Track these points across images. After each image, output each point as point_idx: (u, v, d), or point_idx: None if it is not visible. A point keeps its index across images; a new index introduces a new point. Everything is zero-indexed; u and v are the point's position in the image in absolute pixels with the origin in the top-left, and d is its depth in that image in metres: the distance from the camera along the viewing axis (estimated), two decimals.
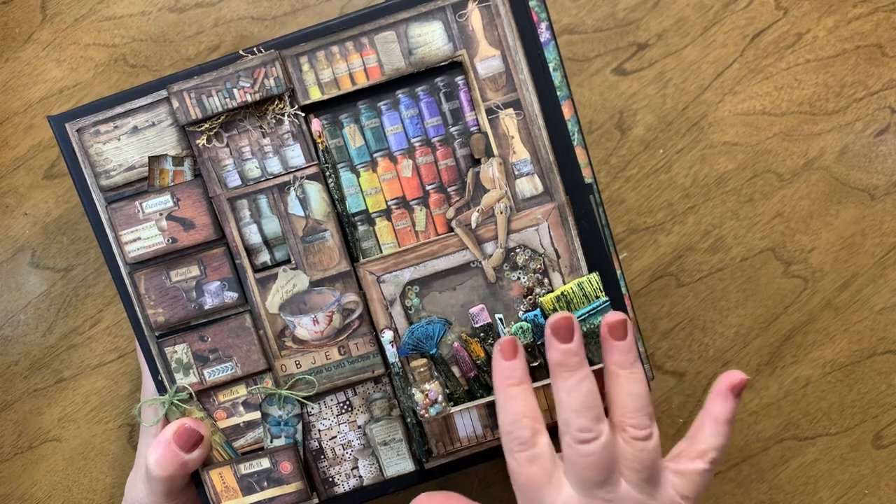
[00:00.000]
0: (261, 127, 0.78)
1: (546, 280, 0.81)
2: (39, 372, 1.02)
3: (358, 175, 0.80)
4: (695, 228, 1.01)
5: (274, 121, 0.78)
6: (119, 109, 0.78)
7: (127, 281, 0.80)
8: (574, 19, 1.00)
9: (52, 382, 1.02)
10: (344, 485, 0.83)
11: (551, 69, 0.79)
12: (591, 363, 0.80)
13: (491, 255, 0.80)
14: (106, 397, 1.03)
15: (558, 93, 0.79)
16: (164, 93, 0.78)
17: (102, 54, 1.00)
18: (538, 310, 0.81)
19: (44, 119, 1.00)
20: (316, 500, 0.83)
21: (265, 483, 0.81)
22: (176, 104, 0.77)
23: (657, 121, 1.01)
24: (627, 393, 0.76)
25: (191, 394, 0.81)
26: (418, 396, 0.80)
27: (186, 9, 1.00)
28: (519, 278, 0.81)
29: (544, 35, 0.78)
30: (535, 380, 0.81)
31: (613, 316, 0.77)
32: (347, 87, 0.78)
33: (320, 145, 0.79)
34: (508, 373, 0.76)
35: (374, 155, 0.80)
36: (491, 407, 0.81)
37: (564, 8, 1.00)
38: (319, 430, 0.82)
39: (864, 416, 1.03)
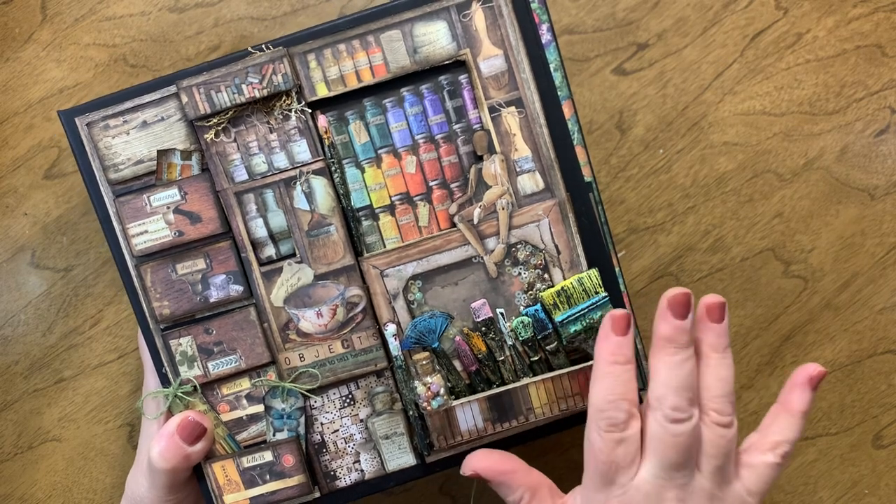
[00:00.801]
0: (268, 122, 0.83)
1: (546, 275, 0.85)
2: (39, 372, 1.06)
3: (363, 171, 0.85)
4: (695, 228, 1.05)
5: (281, 116, 0.83)
6: (128, 104, 0.83)
7: (133, 274, 0.85)
8: (574, 19, 1.04)
9: (52, 382, 1.06)
10: (345, 478, 0.87)
11: (552, 70, 0.84)
12: (588, 358, 0.86)
13: (493, 251, 0.85)
14: (106, 397, 1.06)
15: (559, 93, 0.84)
16: (173, 88, 0.83)
17: (102, 54, 1.04)
18: (539, 305, 0.85)
19: (44, 119, 1.04)
20: (317, 494, 0.87)
21: (267, 476, 0.86)
22: (185, 99, 0.82)
23: (657, 121, 1.05)
24: (716, 377, 0.78)
25: (195, 386, 0.86)
26: (420, 389, 0.84)
27: (186, 9, 1.04)
28: (520, 273, 0.85)
29: (545, 36, 0.84)
30: (534, 374, 0.86)
31: (713, 297, 0.80)
32: (353, 84, 0.83)
33: (326, 141, 0.84)
34: (617, 349, 0.78)
35: (379, 151, 0.85)
36: (492, 401, 0.85)
37: (564, 8, 1.04)
38: (322, 424, 0.87)
39: (864, 416, 1.07)
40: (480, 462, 0.84)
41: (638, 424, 0.77)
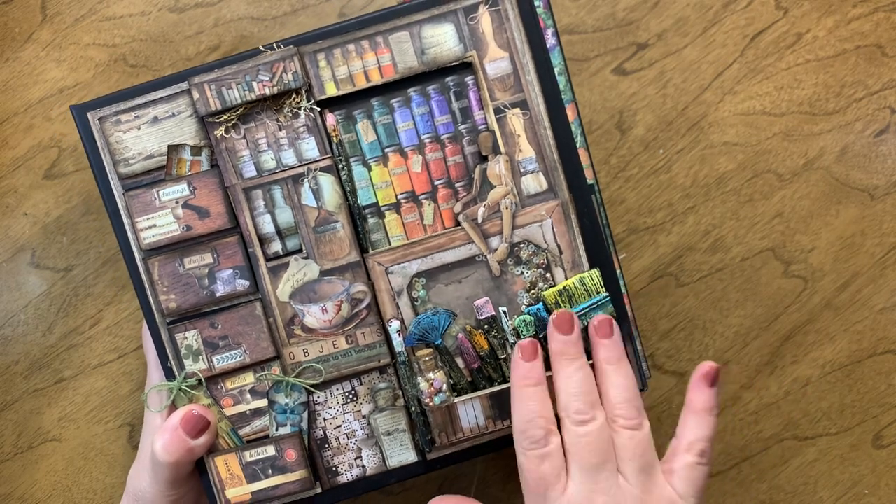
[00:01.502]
0: (277, 120, 0.88)
1: (549, 275, 0.90)
2: (39, 372, 1.09)
3: (369, 169, 0.89)
4: (695, 228, 1.10)
5: (290, 114, 0.87)
6: (140, 100, 0.88)
7: (141, 267, 0.89)
8: (574, 19, 1.09)
9: (52, 382, 1.10)
10: (347, 474, 0.91)
11: (556, 73, 0.89)
12: (588, 356, 0.89)
13: (496, 250, 0.89)
14: (106, 397, 1.10)
15: (563, 96, 0.89)
16: (184, 84, 0.87)
17: (102, 54, 1.08)
18: (541, 304, 0.90)
19: (44, 119, 1.08)
20: (319, 489, 0.91)
21: (270, 471, 0.90)
22: (196, 95, 0.86)
23: (657, 121, 1.09)
24: (615, 385, 0.85)
25: (200, 380, 0.90)
26: (423, 385, 0.89)
27: (186, 9, 1.08)
28: (522, 273, 0.90)
29: (550, 41, 0.89)
30: None
31: (599, 317, 0.88)
32: (362, 83, 0.88)
33: (334, 139, 0.88)
34: (526, 373, 0.85)
35: (386, 150, 0.90)
36: (494, 398, 0.89)
37: (564, 8, 1.08)
38: (324, 419, 0.91)
39: (864, 416, 1.11)
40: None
41: (557, 440, 0.84)
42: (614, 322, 0.88)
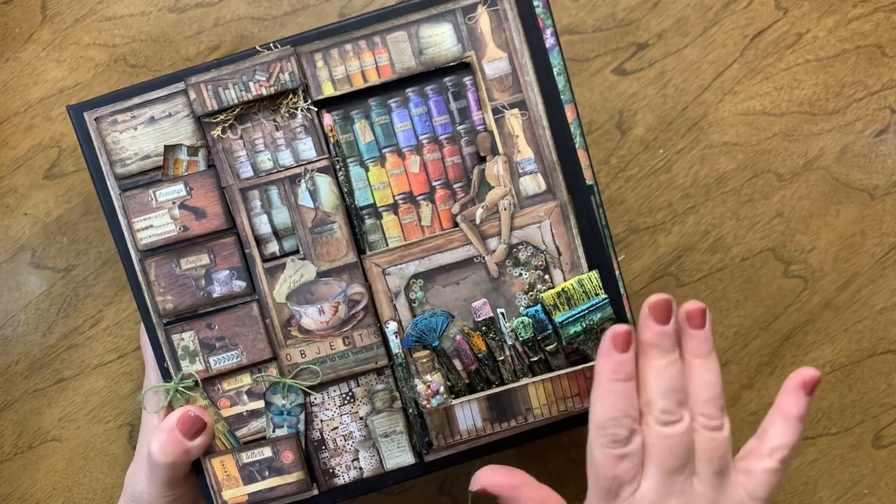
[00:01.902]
0: (274, 120, 0.87)
1: (547, 276, 0.89)
2: (39, 372, 1.09)
3: (367, 169, 0.89)
4: (695, 228, 1.09)
5: (287, 114, 0.87)
6: (137, 100, 0.87)
7: (137, 268, 0.89)
8: (574, 19, 1.08)
9: (52, 382, 1.09)
10: (344, 476, 0.91)
11: (555, 73, 0.88)
12: (587, 360, 0.90)
13: (494, 251, 0.89)
14: (106, 397, 1.10)
15: (562, 97, 0.89)
16: (181, 85, 0.87)
17: (102, 54, 1.08)
18: (539, 305, 0.89)
19: (44, 119, 1.08)
20: (316, 491, 0.91)
21: (266, 472, 0.89)
22: (193, 95, 0.86)
23: (657, 121, 1.09)
24: (702, 382, 0.82)
25: (196, 381, 0.89)
26: (420, 387, 0.88)
27: (186, 9, 1.08)
28: (521, 274, 0.89)
29: (549, 41, 0.88)
30: (534, 375, 0.90)
31: (693, 304, 0.83)
32: (359, 84, 0.87)
33: (331, 139, 0.88)
34: (618, 367, 0.80)
35: (383, 150, 0.89)
36: (491, 400, 0.89)
37: (564, 8, 1.08)
38: (321, 421, 0.90)
39: (864, 416, 1.10)
40: (488, 478, 0.87)
41: (640, 440, 0.80)
42: (707, 312, 0.83)
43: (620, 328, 0.81)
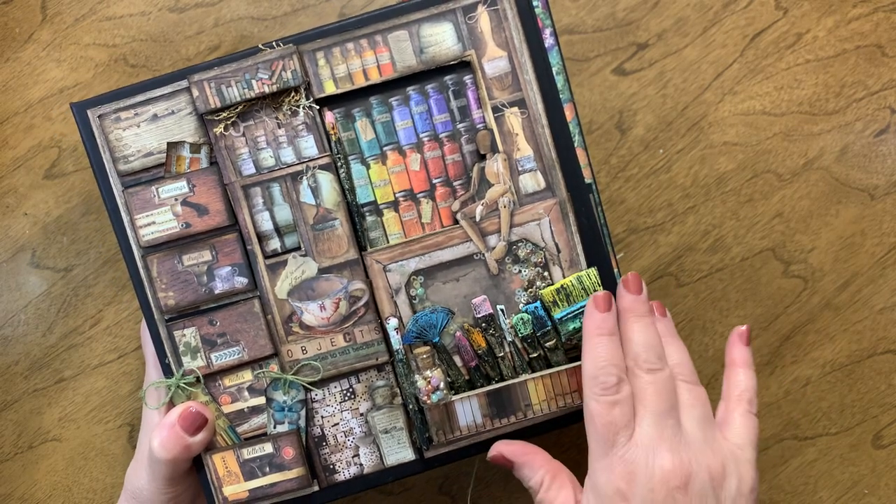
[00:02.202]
0: (276, 118, 0.89)
1: (546, 273, 0.91)
2: (39, 372, 1.10)
3: (368, 167, 0.91)
4: (695, 228, 1.11)
5: (289, 112, 0.89)
6: (140, 98, 0.89)
7: (140, 264, 0.90)
8: (574, 19, 1.10)
9: (52, 382, 1.11)
10: (344, 472, 0.92)
11: (555, 73, 0.90)
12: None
13: (494, 248, 0.91)
14: (106, 397, 1.11)
15: (561, 96, 0.90)
16: (184, 82, 0.89)
17: (102, 54, 1.09)
18: (538, 302, 0.91)
19: (44, 119, 1.09)
20: (316, 487, 0.92)
21: (267, 468, 0.91)
22: (196, 93, 0.88)
23: (657, 121, 1.10)
24: (674, 350, 0.91)
25: (198, 377, 0.91)
26: (421, 383, 0.89)
27: (186, 9, 1.09)
28: (520, 271, 0.91)
29: (548, 41, 0.90)
30: (533, 371, 0.92)
31: (656, 302, 0.94)
32: (361, 82, 0.89)
33: (333, 137, 0.90)
34: (601, 323, 0.88)
35: (384, 148, 0.91)
36: (491, 396, 0.91)
37: (564, 8, 1.09)
38: (322, 417, 0.92)
39: (864, 416, 1.12)
40: (505, 446, 0.91)
41: (629, 388, 0.86)
42: (663, 306, 0.95)
43: (600, 293, 0.89)
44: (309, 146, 0.90)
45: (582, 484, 0.88)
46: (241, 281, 0.90)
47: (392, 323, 0.91)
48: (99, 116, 0.90)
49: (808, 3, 1.11)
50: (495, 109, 0.90)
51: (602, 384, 0.85)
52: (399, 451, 0.93)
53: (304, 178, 0.90)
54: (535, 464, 0.90)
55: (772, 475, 1.13)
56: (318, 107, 0.90)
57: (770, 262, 1.12)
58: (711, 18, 1.11)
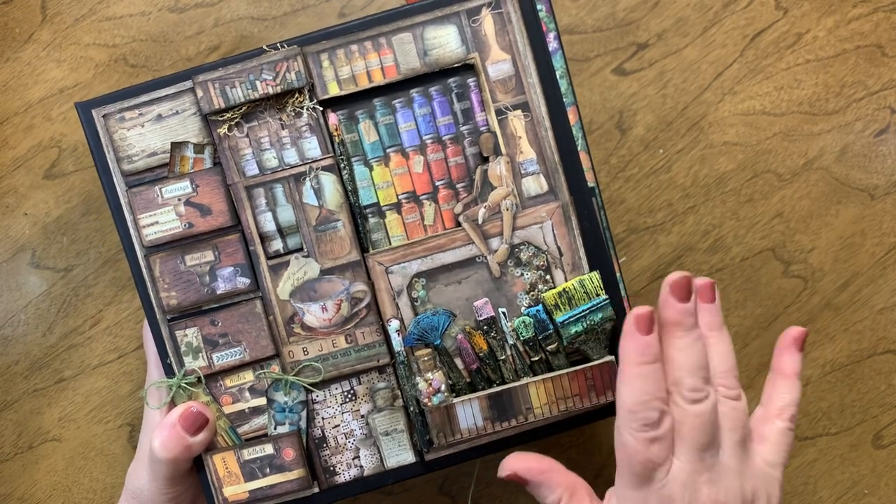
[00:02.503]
0: (280, 119, 0.89)
1: (549, 276, 0.92)
2: (39, 372, 1.11)
3: (371, 169, 0.91)
4: (695, 228, 1.12)
5: (293, 113, 0.89)
6: (144, 98, 0.90)
7: (142, 264, 0.91)
8: (574, 19, 1.11)
9: (52, 382, 1.12)
10: (345, 474, 0.93)
11: (558, 76, 0.91)
12: (587, 360, 0.92)
13: (496, 251, 0.91)
14: (106, 397, 1.12)
15: (564, 99, 0.91)
16: (188, 83, 0.89)
17: (102, 54, 1.10)
18: (540, 305, 0.91)
19: (44, 119, 1.10)
20: (317, 489, 0.93)
21: (267, 469, 0.91)
22: (200, 93, 0.88)
23: (657, 121, 1.11)
24: (718, 354, 0.85)
25: (199, 377, 0.91)
26: (422, 385, 0.90)
27: (186, 9, 1.10)
28: (522, 274, 0.91)
29: (552, 44, 0.91)
30: (535, 374, 0.92)
31: (702, 280, 0.86)
32: (364, 84, 0.90)
33: (336, 139, 0.90)
34: (644, 349, 0.81)
35: (388, 150, 0.91)
36: (492, 399, 0.91)
37: (564, 8, 1.10)
38: (323, 419, 0.92)
39: (864, 416, 1.13)
40: (518, 463, 0.89)
41: (670, 421, 0.81)
42: (715, 285, 0.87)
43: (643, 309, 0.82)
44: (312, 147, 0.90)
45: (599, 495, 0.87)
46: (243, 281, 0.91)
47: (394, 325, 0.91)
48: (103, 116, 0.90)
49: (808, 3, 1.12)
50: (498, 112, 0.91)
51: (643, 420, 0.81)
52: (399, 454, 0.93)
53: (307, 179, 0.90)
54: (552, 482, 0.88)
55: None
56: (321, 108, 0.90)
57: (770, 262, 1.13)
58: (711, 18, 1.12)
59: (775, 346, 0.91)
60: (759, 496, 0.83)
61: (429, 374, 0.90)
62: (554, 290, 0.91)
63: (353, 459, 0.93)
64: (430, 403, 0.90)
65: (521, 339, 0.92)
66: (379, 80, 0.90)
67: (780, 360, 0.90)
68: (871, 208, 1.13)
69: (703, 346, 0.84)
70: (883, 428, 1.14)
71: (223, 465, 0.92)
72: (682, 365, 0.82)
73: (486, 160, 0.92)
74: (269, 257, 0.91)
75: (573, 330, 0.91)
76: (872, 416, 1.14)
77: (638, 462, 0.81)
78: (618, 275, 0.93)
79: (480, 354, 0.92)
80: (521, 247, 0.92)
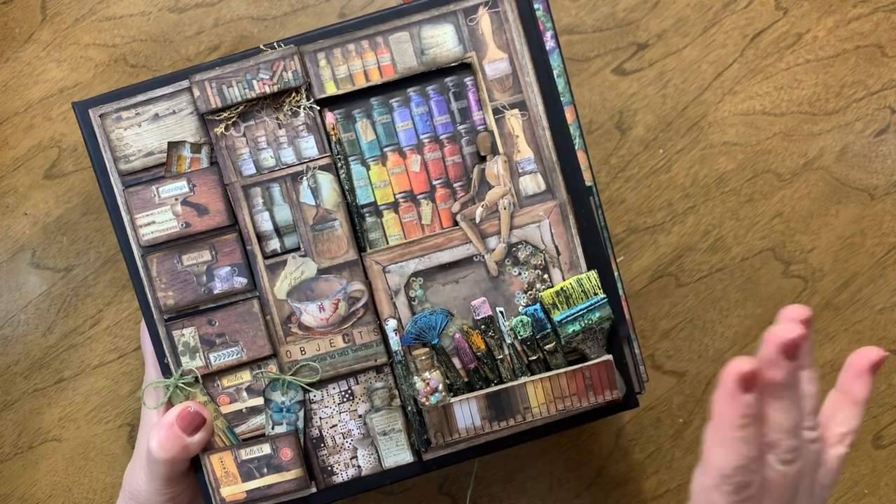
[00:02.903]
0: (277, 118, 0.89)
1: (546, 276, 0.91)
2: (39, 372, 1.11)
3: (368, 168, 0.91)
4: (695, 228, 1.11)
5: (290, 113, 0.89)
6: (141, 97, 0.90)
7: (139, 264, 0.91)
8: (574, 19, 1.10)
9: (52, 382, 1.11)
10: (342, 474, 0.93)
11: (555, 75, 0.91)
12: (585, 359, 0.92)
13: (494, 250, 0.91)
14: (106, 397, 1.12)
15: (561, 98, 0.91)
16: (185, 82, 0.89)
17: (102, 54, 1.10)
18: (538, 304, 0.91)
19: (44, 119, 1.10)
20: (314, 489, 0.93)
21: (265, 469, 0.91)
22: (197, 93, 0.88)
23: (657, 121, 1.11)
24: (809, 395, 0.79)
25: (196, 377, 0.91)
26: (419, 384, 0.90)
27: (186, 9, 1.10)
28: (520, 273, 0.91)
29: (549, 43, 0.91)
30: (532, 373, 0.91)
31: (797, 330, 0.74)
32: (361, 83, 0.89)
33: (333, 138, 0.90)
34: (746, 411, 0.72)
35: (385, 149, 0.91)
36: (490, 399, 0.90)
37: (564, 8, 1.10)
38: (320, 419, 0.92)
39: (864, 416, 1.06)
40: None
41: (760, 478, 0.76)
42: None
43: (746, 366, 0.72)
44: (309, 147, 0.90)
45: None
46: (240, 281, 0.90)
47: (391, 324, 0.91)
48: (100, 116, 0.90)
49: (808, 3, 1.11)
50: (496, 111, 0.91)
51: (738, 484, 0.75)
52: (397, 453, 0.93)
53: (304, 178, 0.90)
54: None
55: None
56: (318, 107, 0.90)
57: (770, 262, 1.12)
58: (711, 18, 1.11)
59: (848, 363, 0.84)
60: None
61: (426, 374, 0.90)
62: (551, 290, 0.91)
63: (350, 459, 0.93)
64: (427, 403, 0.90)
65: (519, 338, 0.92)
66: (376, 79, 0.90)
67: (852, 384, 0.84)
68: (871, 208, 1.12)
69: (799, 406, 0.77)
70: (883, 428, 1.13)
71: (220, 465, 0.92)
72: (782, 427, 0.75)
73: (483, 159, 0.91)
74: (266, 257, 0.91)
75: (571, 329, 0.91)
76: (872, 416, 1.13)
77: None
78: (616, 274, 0.93)
79: (478, 354, 0.92)
80: (519, 246, 0.92)
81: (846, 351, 1.11)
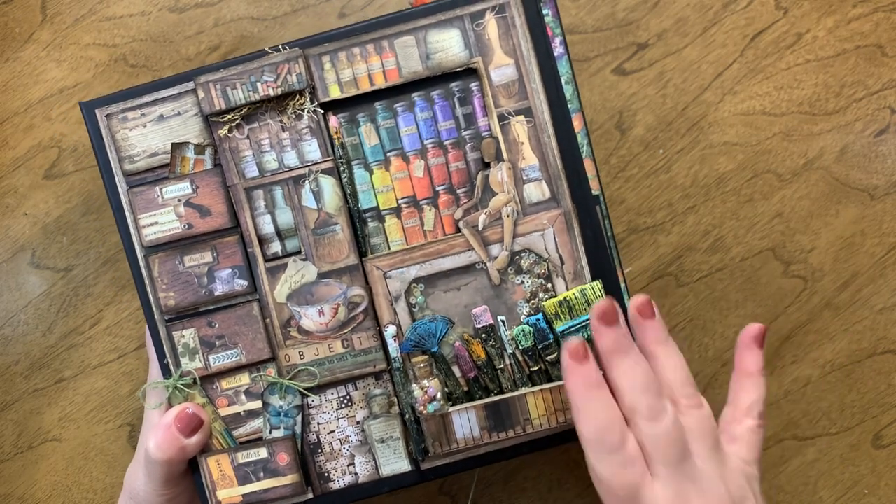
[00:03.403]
0: (281, 121, 0.88)
1: (549, 285, 0.89)
2: (39, 372, 1.10)
3: (371, 172, 0.90)
4: (695, 228, 1.10)
5: (294, 115, 0.88)
6: (147, 98, 0.88)
7: (142, 264, 0.89)
8: (574, 19, 1.09)
9: (52, 382, 1.10)
10: (339, 481, 0.91)
11: (563, 82, 0.89)
12: None
13: (496, 258, 0.89)
14: (106, 397, 1.11)
15: (569, 105, 0.89)
16: (190, 84, 0.88)
17: (102, 54, 1.09)
18: (540, 314, 0.89)
19: (44, 119, 1.09)
20: (310, 495, 0.91)
21: (261, 473, 0.89)
22: (202, 94, 0.87)
23: (657, 121, 1.09)
24: (670, 367, 0.82)
25: (195, 379, 0.90)
26: (417, 392, 0.88)
27: (186, 9, 1.09)
28: (523, 282, 0.89)
29: (558, 49, 0.88)
30: (533, 384, 0.90)
31: (639, 297, 0.83)
32: (366, 87, 0.88)
33: (336, 142, 0.88)
34: (587, 377, 0.79)
35: (388, 154, 0.90)
36: (489, 409, 0.89)
37: (564, 8, 1.08)
38: (318, 424, 0.91)
39: (864, 416, 1.11)
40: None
41: (634, 441, 0.79)
42: (651, 299, 0.84)
43: (574, 341, 0.80)
44: (312, 150, 0.89)
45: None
46: (240, 283, 0.89)
47: (390, 330, 0.90)
48: (107, 116, 0.89)
49: (808, 3, 1.10)
50: (501, 117, 0.89)
51: (608, 445, 0.79)
52: (395, 462, 0.91)
53: (307, 181, 0.89)
54: None
55: (772, 475, 1.12)
56: (322, 111, 0.89)
57: (770, 262, 1.11)
58: (711, 18, 1.10)
59: (736, 344, 0.90)
60: (746, 495, 0.81)
61: (425, 382, 0.89)
62: (555, 299, 0.89)
63: (347, 466, 0.92)
64: (425, 411, 0.89)
65: (521, 348, 0.90)
66: (381, 83, 0.89)
67: (743, 359, 0.89)
68: (871, 208, 1.11)
69: (646, 365, 0.81)
70: (883, 428, 1.12)
71: (217, 467, 0.91)
72: (631, 387, 0.80)
73: (487, 166, 0.90)
74: (267, 260, 0.90)
75: None
76: (872, 416, 1.12)
77: (618, 487, 0.79)
78: (622, 285, 0.91)
79: (478, 363, 0.90)
80: (522, 254, 0.90)
81: (846, 351, 1.11)
